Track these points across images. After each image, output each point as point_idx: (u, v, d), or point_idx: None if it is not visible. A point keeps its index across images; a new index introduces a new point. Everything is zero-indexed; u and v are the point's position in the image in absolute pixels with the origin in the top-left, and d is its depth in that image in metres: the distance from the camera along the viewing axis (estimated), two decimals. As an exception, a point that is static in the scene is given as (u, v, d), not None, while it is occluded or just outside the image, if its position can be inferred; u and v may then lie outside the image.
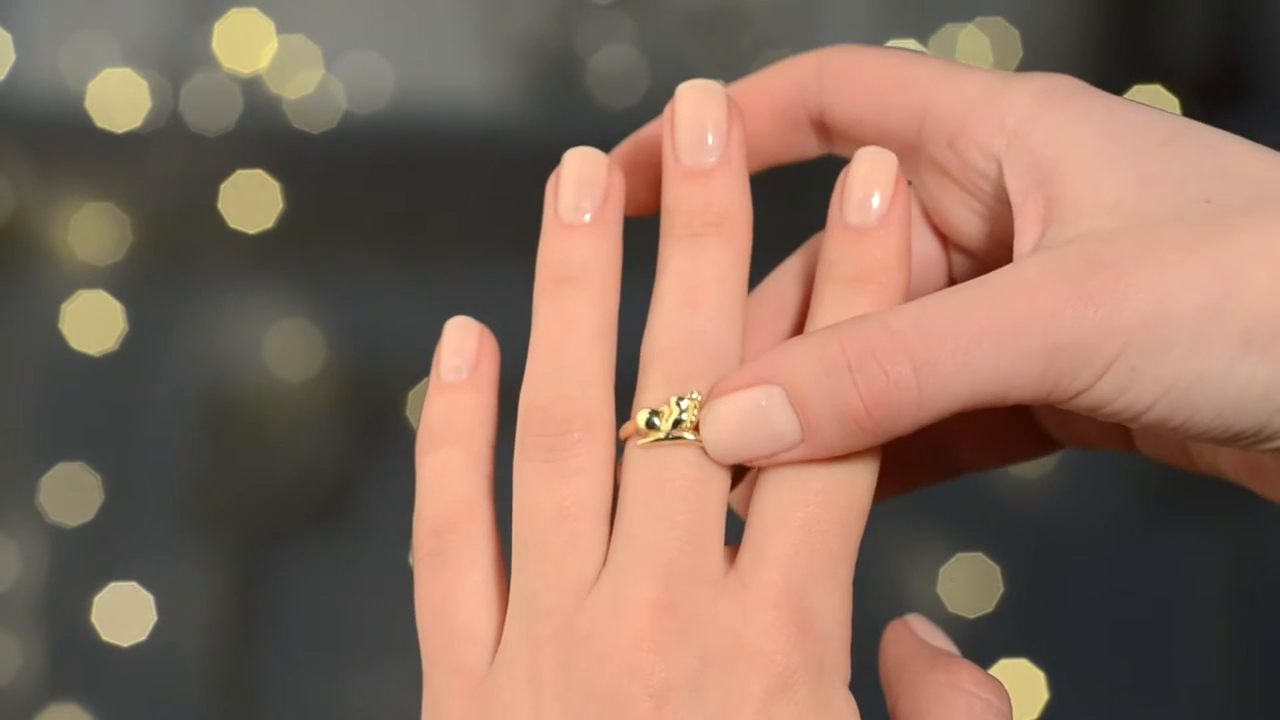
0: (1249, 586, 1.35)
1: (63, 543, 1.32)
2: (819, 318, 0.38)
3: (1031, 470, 1.35)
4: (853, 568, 0.37)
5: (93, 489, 1.32)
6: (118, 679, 1.31)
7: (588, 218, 0.40)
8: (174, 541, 1.33)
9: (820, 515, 0.37)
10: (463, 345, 0.41)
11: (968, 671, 0.38)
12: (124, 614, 1.31)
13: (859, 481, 0.37)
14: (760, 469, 0.37)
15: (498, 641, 0.38)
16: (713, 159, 0.39)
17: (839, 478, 0.37)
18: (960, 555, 1.31)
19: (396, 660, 1.34)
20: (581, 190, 0.40)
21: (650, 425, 0.37)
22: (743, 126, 0.40)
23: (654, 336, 0.39)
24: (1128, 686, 1.34)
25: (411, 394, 1.33)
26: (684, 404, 0.37)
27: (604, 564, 0.37)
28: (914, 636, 0.40)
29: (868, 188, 0.39)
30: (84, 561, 1.32)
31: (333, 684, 1.34)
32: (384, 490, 1.34)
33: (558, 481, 0.38)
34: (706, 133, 0.40)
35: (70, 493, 1.32)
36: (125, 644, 1.31)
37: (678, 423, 0.37)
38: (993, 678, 0.38)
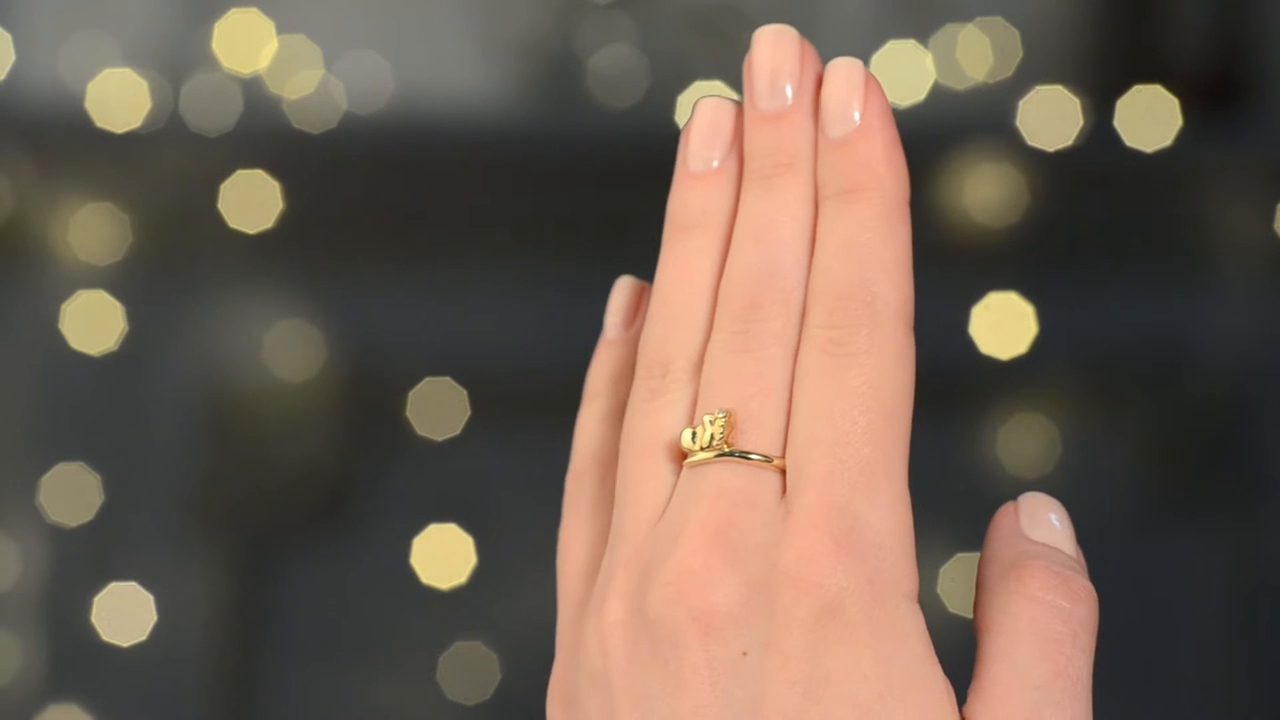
0: (1249, 586, 1.35)
1: (63, 543, 1.32)
2: (821, 237, 0.39)
3: (1031, 470, 1.35)
4: (899, 474, 0.37)
5: (93, 489, 1.32)
6: (118, 679, 1.31)
7: (714, 165, 0.40)
8: (174, 541, 1.33)
9: (848, 428, 0.36)
10: (622, 304, 0.42)
11: (1039, 575, 0.37)
12: (124, 614, 1.31)
13: (889, 385, 0.37)
14: (794, 382, 0.38)
15: None
16: (787, 102, 0.40)
17: (865, 386, 0.37)
18: (960, 555, 1.31)
19: (396, 660, 1.34)
20: (708, 139, 0.40)
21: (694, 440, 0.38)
22: (818, 67, 0.40)
23: (726, 276, 0.39)
24: (1127, 686, 1.34)
25: (411, 394, 1.33)
26: (713, 421, 0.37)
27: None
28: (1011, 529, 0.39)
29: (842, 98, 0.39)
30: (84, 561, 1.32)
31: (333, 684, 1.34)
32: (384, 490, 1.34)
33: (649, 417, 0.39)
34: (781, 76, 0.40)
35: (70, 493, 1.32)
36: (125, 644, 1.31)
37: (711, 440, 0.37)
38: (1070, 577, 0.37)
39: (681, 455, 0.38)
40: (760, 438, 0.37)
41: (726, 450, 0.37)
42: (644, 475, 0.38)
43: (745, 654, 0.35)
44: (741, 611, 0.36)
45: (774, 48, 0.40)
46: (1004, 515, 0.40)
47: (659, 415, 0.38)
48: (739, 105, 0.40)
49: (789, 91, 0.40)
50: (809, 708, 0.35)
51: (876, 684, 0.35)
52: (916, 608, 0.36)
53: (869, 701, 0.35)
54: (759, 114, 0.40)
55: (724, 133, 0.40)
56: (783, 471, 0.37)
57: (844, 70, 0.39)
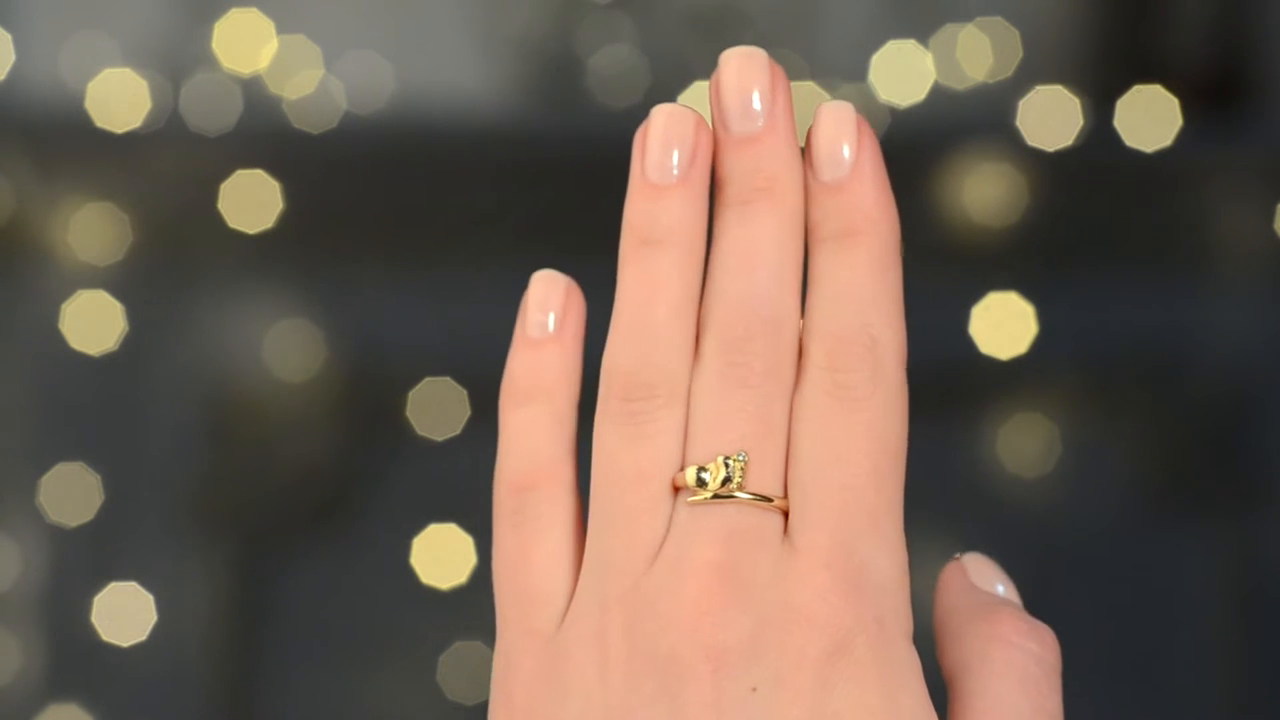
0: (1249, 586, 1.35)
1: (63, 543, 1.32)
2: (818, 279, 0.39)
3: (1031, 470, 1.35)
4: (899, 517, 0.37)
5: (93, 489, 1.32)
6: (118, 679, 1.31)
7: (675, 177, 0.39)
8: (174, 541, 1.33)
9: (856, 470, 0.37)
10: (549, 300, 0.41)
11: (1010, 621, 0.38)
12: (124, 614, 1.31)
13: (890, 431, 0.37)
14: (791, 422, 0.38)
15: (570, 602, 0.38)
16: (759, 124, 0.39)
17: (869, 430, 0.37)
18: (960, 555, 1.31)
19: (396, 660, 1.34)
20: (668, 149, 0.39)
21: (700, 483, 0.37)
22: (788, 89, 0.40)
23: (711, 303, 0.39)
24: (1127, 687, 1.34)
25: (411, 394, 1.33)
26: (731, 464, 0.37)
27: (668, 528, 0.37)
28: (964, 582, 0.40)
29: (834, 141, 0.39)
30: (84, 561, 1.32)
31: (333, 684, 1.34)
32: (384, 490, 1.34)
33: (638, 444, 0.38)
34: (752, 98, 0.39)
35: (70, 493, 1.32)
36: (125, 644, 1.31)
37: (726, 481, 0.37)
38: (1038, 626, 0.38)
39: (675, 487, 0.38)
40: (765, 477, 0.37)
41: (738, 491, 0.37)
42: (639, 507, 0.38)
43: (755, 690, 0.36)
44: (753, 648, 0.36)
45: (742, 69, 0.39)
46: (953, 570, 0.40)
47: (650, 443, 0.38)
48: (698, 115, 0.40)
49: (761, 114, 0.39)
50: None
51: None
52: (914, 648, 0.37)
53: None
54: (731, 137, 0.39)
55: (685, 142, 0.39)
56: (784, 511, 0.37)
57: (834, 113, 0.39)
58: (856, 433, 0.37)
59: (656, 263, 0.39)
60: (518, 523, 0.39)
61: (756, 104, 0.39)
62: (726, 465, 0.37)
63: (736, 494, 0.37)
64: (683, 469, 0.38)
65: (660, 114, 0.40)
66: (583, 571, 0.38)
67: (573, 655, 0.37)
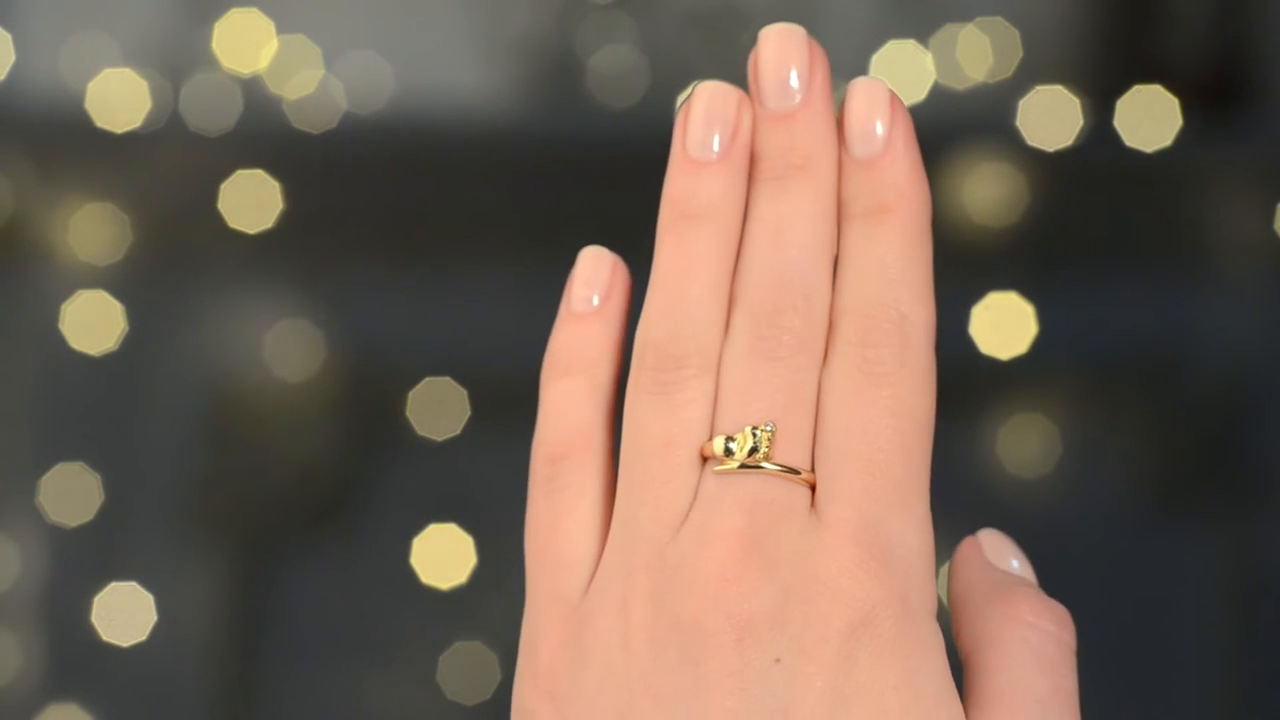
0: (1249, 586, 1.35)
1: (63, 543, 1.32)
2: (848, 255, 0.39)
3: (1031, 470, 1.35)
4: (926, 494, 0.37)
5: (93, 489, 1.32)
6: (118, 679, 1.31)
7: (716, 154, 0.39)
8: (174, 541, 1.33)
9: (883, 445, 0.37)
10: (595, 275, 0.41)
11: (1026, 600, 0.38)
12: (124, 614, 1.31)
13: (917, 407, 0.38)
14: (819, 397, 0.38)
15: (596, 569, 0.39)
16: (796, 101, 0.39)
17: (897, 405, 0.37)
18: (960, 555, 1.31)
19: (396, 660, 1.34)
20: (710, 125, 0.40)
21: (727, 452, 0.37)
22: (826, 66, 0.40)
23: (743, 276, 0.39)
24: (1128, 686, 1.34)
25: (411, 394, 1.33)
26: (758, 434, 0.37)
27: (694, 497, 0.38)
28: (980, 560, 0.40)
29: (867, 118, 0.39)
30: (84, 561, 1.32)
31: (333, 684, 1.34)
32: (384, 490, 1.34)
33: (667, 413, 0.38)
34: (790, 76, 0.39)
35: (70, 493, 1.32)
36: (125, 644, 1.31)
37: (753, 451, 0.37)
38: (1054, 605, 0.38)
39: (703, 457, 0.38)
40: (792, 449, 0.38)
41: (765, 462, 0.37)
42: (666, 475, 0.38)
43: (778, 661, 0.36)
44: (778, 619, 0.36)
45: (781, 46, 0.40)
46: (970, 547, 0.40)
47: (679, 413, 0.38)
48: (741, 93, 0.40)
49: (798, 91, 0.39)
50: (839, 716, 0.35)
51: (905, 696, 0.36)
52: (937, 625, 0.37)
53: (897, 713, 0.36)
54: (768, 114, 0.40)
55: (728, 119, 0.40)
56: (810, 485, 0.37)
57: (867, 89, 0.40)
58: (884, 408, 0.37)
59: (694, 237, 0.39)
60: (550, 490, 0.40)
61: (794, 81, 0.39)
62: (754, 435, 0.37)
63: (764, 465, 0.37)
64: (711, 439, 0.38)
65: (704, 91, 0.40)
66: (609, 539, 0.38)
67: (596, 622, 0.37)
